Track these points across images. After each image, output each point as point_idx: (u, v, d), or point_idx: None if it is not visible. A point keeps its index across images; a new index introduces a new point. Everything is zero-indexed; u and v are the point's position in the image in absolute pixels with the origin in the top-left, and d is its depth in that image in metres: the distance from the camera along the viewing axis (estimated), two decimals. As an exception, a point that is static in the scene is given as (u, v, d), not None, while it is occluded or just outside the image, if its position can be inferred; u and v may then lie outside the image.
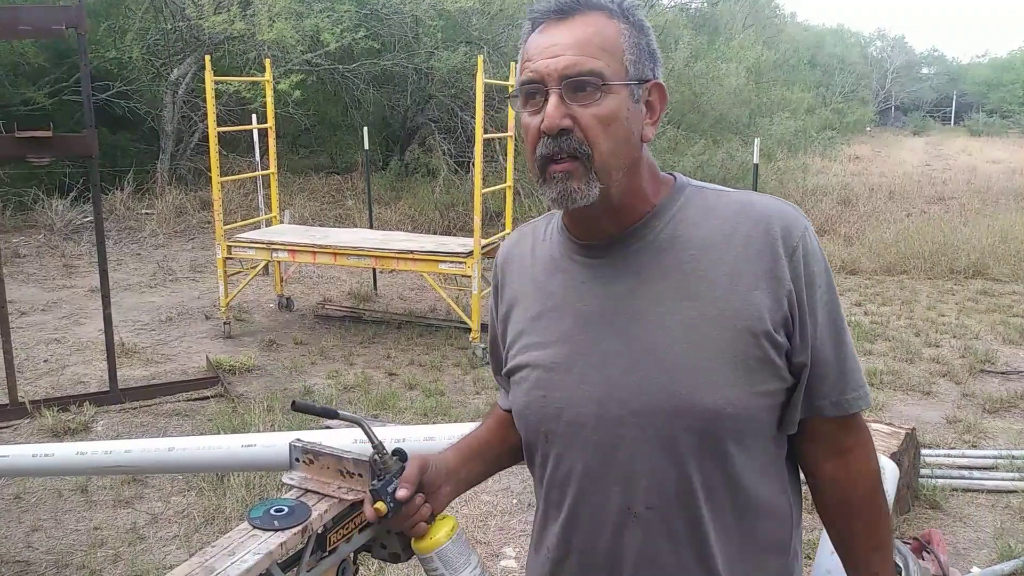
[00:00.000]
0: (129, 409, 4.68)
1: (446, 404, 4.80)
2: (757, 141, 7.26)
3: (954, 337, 6.28)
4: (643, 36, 1.05)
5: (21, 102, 10.57)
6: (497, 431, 1.28)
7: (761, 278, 1.03)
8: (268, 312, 6.98)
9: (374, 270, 7.54)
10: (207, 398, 4.88)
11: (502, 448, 1.28)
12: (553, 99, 1.00)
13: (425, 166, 12.48)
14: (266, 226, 7.02)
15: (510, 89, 6.08)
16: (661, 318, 1.04)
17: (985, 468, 3.94)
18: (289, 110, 11.25)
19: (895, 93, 42.47)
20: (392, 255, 5.80)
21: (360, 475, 1.60)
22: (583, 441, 1.08)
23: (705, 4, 18.69)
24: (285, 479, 1.65)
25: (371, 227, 8.09)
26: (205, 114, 6.95)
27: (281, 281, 7.02)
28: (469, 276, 5.74)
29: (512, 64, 6.30)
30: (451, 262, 5.67)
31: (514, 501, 3.63)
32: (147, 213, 10.73)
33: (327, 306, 7.06)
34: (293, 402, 1.25)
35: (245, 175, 9.04)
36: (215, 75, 6.13)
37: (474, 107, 6.06)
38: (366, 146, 7.90)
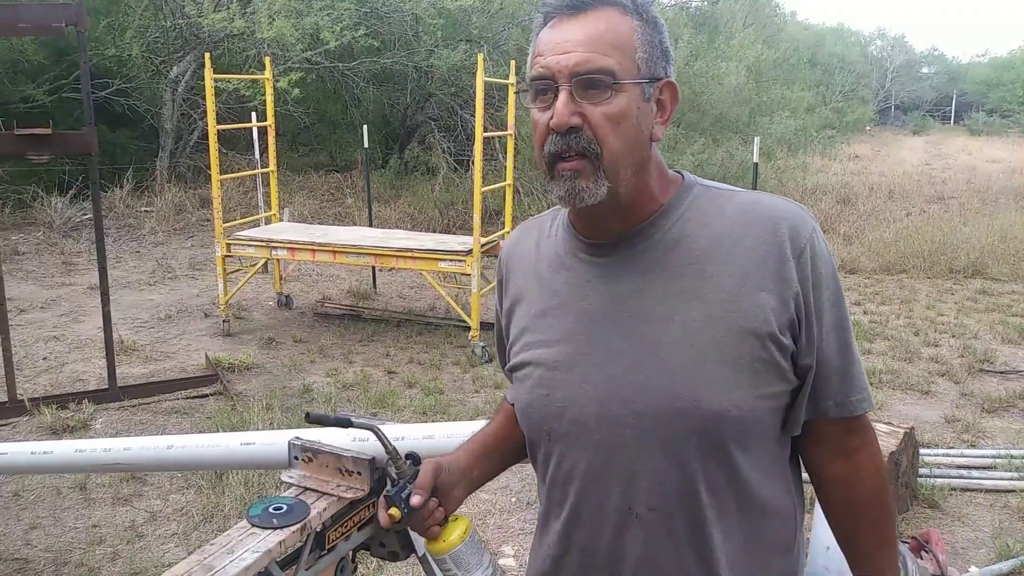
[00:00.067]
0: (128, 407, 4.68)
1: (445, 402, 4.80)
2: (757, 140, 7.26)
3: (953, 336, 6.28)
4: (656, 33, 1.04)
5: (20, 99, 10.56)
6: (506, 427, 1.28)
7: (768, 279, 1.02)
8: (267, 310, 6.98)
9: (373, 268, 7.53)
10: (206, 396, 4.88)
11: (512, 444, 1.27)
12: (563, 96, 0.99)
13: (425, 164, 12.48)
14: (265, 224, 7.02)
15: (511, 88, 6.08)
16: (666, 318, 1.04)
17: (984, 467, 3.94)
18: (289, 108, 11.24)
19: (895, 92, 42.45)
20: (391, 253, 5.80)
21: (359, 473, 1.60)
22: (585, 440, 1.08)
23: (705, 3, 18.70)
24: (284, 477, 1.65)
25: (370, 225, 8.09)
26: (204, 112, 6.94)
27: (280, 279, 7.01)
28: (468, 274, 5.73)
29: (512, 62, 6.30)
30: (450, 260, 5.67)
31: (513, 499, 3.63)
32: (146, 211, 10.72)
33: (326, 304, 7.06)
34: (307, 414, 1.25)
35: (244, 173, 9.03)
36: (215, 73, 6.13)
37: (474, 105, 6.05)
38: (366, 144, 7.89)
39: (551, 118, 1.00)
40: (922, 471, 3.76)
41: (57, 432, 4.31)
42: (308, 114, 12.75)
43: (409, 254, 5.73)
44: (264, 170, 7.27)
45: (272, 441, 1.83)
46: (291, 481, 1.63)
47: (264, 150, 7.45)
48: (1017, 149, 23.84)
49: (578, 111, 1.00)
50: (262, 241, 6.07)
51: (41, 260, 8.54)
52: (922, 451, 3.87)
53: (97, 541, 3.27)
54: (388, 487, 1.16)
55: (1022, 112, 35.14)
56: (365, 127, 7.91)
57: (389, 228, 8.48)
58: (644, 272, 1.07)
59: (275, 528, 1.46)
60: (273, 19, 9.75)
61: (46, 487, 3.69)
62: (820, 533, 2.09)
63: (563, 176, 1.02)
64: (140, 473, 3.74)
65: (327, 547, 1.59)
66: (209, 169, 6.36)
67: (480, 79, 5.47)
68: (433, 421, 4.42)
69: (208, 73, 5.99)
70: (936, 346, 6.05)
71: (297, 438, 1.68)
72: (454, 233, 9.02)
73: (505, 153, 6.75)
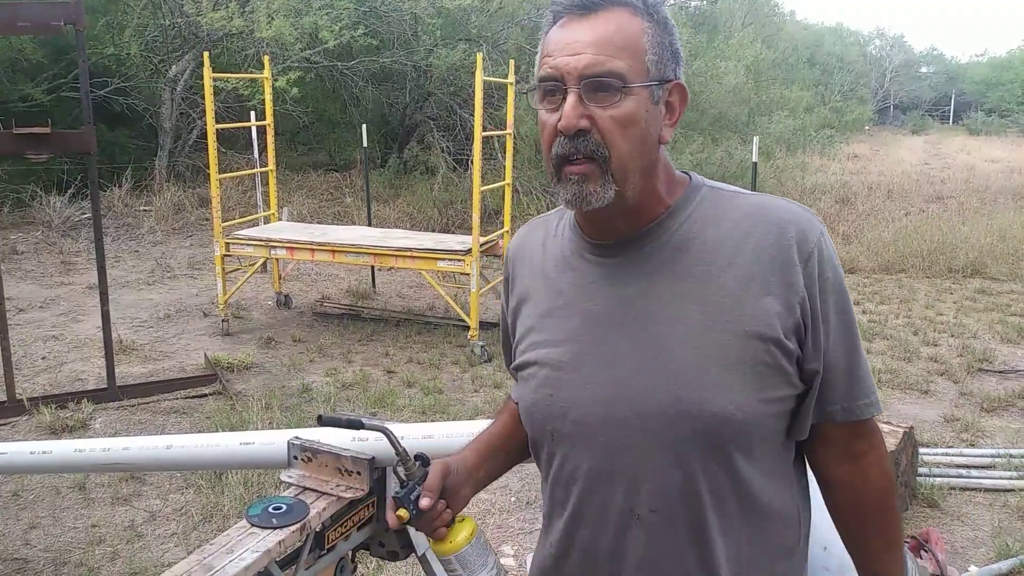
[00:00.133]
0: (127, 406, 4.67)
1: (444, 402, 4.80)
2: (756, 139, 7.27)
3: (952, 336, 6.29)
4: (667, 34, 1.03)
5: (19, 98, 10.54)
6: (511, 426, 1.28)
7: (773, 284, 1.02)
8: (266, 309, 6.97)
9: (372, 268, 7.53)
10: (205, 395, 4.88)
11: (517, 444, 1.27)
12: (571, 99, 0.99)
13: (424, 164, 12.47)
14: (264, 223, 7.01)
15: (510, 87, 6.07)
16: (671, 321, 1.04)
17: (983, 467, 3.94)
18: (288, 107, 11.23)
19: (894, 92, 42.45)
20: (391, 253, 5.80)
21: (358, 473, 1.60)
22: (588, 441, 1.08)
23: (704, 2, 18.67)
24: (283, 477, 1.65)
25: (369, 224, 8.09)
26: (203, 111, 6.94)
27: (279, 278, 7.01)
28: (468, 274, 5.73)
29: (511, 62, 6.30)
30: (450, 260, 5.67)
31: (512, 499, 3.63)
32: (145, 210, 10.71)
33: (325, 304, 7.05)
34: (320, 416, 1.25)
35: (243, 172, 9.01)
36: (213, 72, 6.12)
37: (473, 105, 6.05)
38: (365, 143, 7.89)
39: (559, 120, 1.00)
40: (921, 470, 3.76)
41: (56, 432, 4.30)
42: (307, 113, 12.73)
43: (408, 253, 5.73)
44: (263, 169, 7.27)
45: (271, 441, 1.83)
46: (290, 481, 1.63)
47: (263, 149, 7.45)
48: (1016, 149, 23.86)
49: (586, 114, 0.99)
50: (261, 240, 6.07)
51: (40, 259, 8.53)
52: (921, 450, 3.88)
53: (96, 541, 3.27)
54: (397, 488, 1.17)
55: (1021, 112, 35.15)
56: (364, 126, 7.90)
57: (388, 227, 8.48)
58: (650, 274, 1.06)
59: (275, 528, 1.46)
60: (272, 18, 9.74)
61: (45, 487, 3.69)
62: (817, 533, 2.09)
63: (570, 179, 1.02)
64: (139, 473, 3.74)
65: (327, 547, 1.59)
66: (208, 168, 6.35)
67: (479, 78, 5.46)
68: (432, 421, 4.42)
69: (207, 72, 5.99)
70: (935, 345, 6.05)
71: (296, 438, 1.68)
72: (453, 232, 9.01)
73: (504, 152, 6.75)
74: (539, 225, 1.24)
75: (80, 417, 4.43)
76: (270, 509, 1.51)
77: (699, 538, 1.05)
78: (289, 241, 6.00)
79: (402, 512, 1.14)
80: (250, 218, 7.21)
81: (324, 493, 1.58)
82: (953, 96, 43.67)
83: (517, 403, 1.22)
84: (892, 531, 1.14)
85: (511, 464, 1.31)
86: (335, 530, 1.59)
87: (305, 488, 1.60)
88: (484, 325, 5.86)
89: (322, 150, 14.58)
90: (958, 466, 3.94)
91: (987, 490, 3.74)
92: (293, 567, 1.52)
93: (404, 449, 1.20)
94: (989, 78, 41.28)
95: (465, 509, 1.23)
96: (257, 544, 1.41)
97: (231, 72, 10.44)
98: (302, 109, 12.14)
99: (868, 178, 15.73)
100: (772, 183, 12.39)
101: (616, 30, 0.99)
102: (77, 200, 10.00)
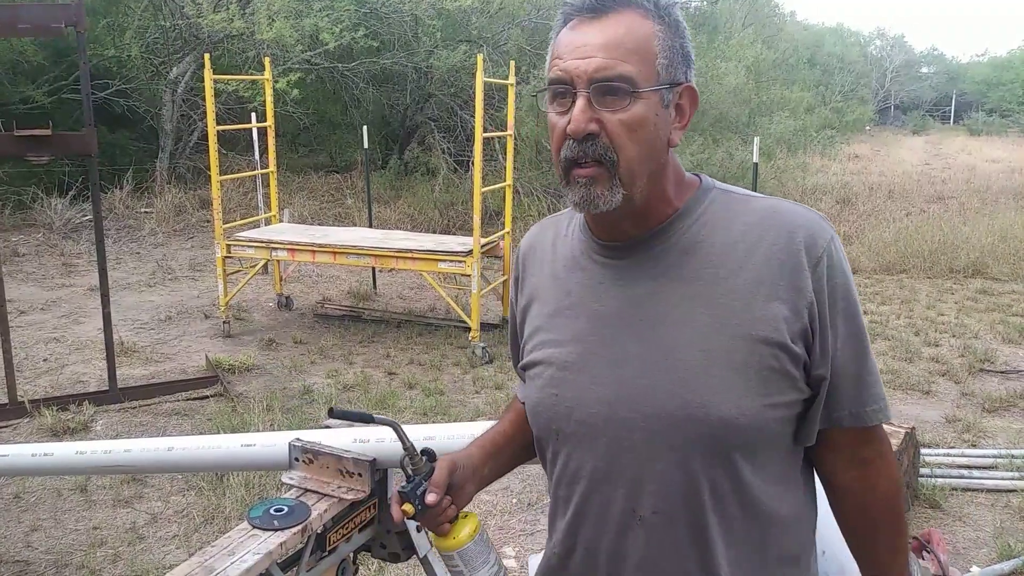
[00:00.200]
0: (128, 408, 4.68)
1: (445, 403, 4.80)
2: (756, 140, 7.27)
3: (953, 336, 6.28)
4: (678, 37, 1.03)
5: (20, 100, 10.55)
6: (517, 425, 1.28)
7: (781, 288, 1.01)
8: (267, 311, 6.98)
9: (373, 269, 7.53)
10: (206, 397, 4.88)
11: (522, 443, 1.28)
12: (580, 102, 0.99)
13: (424, 165, 12.47)
14: (265, 225, 7.02)
15: (511, 88, 6.07)
16: (678, 323, 1.03)
17: (984, 467, 3.94)
18: (288, 109, 11.24)
19: (894, 92, 42.43)
20: (391, 254, 5.80)
21: (360, 475, 1.60)
22: (592, 441, 1.08)
23: (704, 3, 18.69)
24: (285, 479, 1.65)
25: (370, 226, 8.09)
26: (204, 113, 6.94)
27: (280, 280, 7.01)
28: (469, 275, 5.73)
29: (512, 63, 6.30)
30: (450, 261, 5.67)
31: (514, 500, 3.63)
32: (146, 212, 10.72)
33: (326, 305, 7.05)
34: (331, 409, 1.25)
35: (244, 174, 9.03)
36: (214, 74, 6.13)
37: (473, 106, 6.05)
38: (365, 145, 7.89)
39: (568, 124, 1.00)
40: (923, 471, 3.76)
41: (57, 434, 4.30)
42: (308, 115, 12.74)
43: (409, 255, 5.73)
44: (264, 171, 7.27)
45: (273, 442, 1.83)
46: (292, 483, 1.63)
47: (264, 151, 7.45)
48: (1017, 149, 23.84)
49: (595, 118, 0.99)
50: (262, 242, 6.07)
51: (41, 261, 8.54)
52: (923, 451, 3.87)
53: (98, 543, 3.27)
54: (403, 483, 1.17)
55: (1021, 112, 35.14)
56: (365, 128, 7.91)
57: (389, 229, 8.48)
58: (658, 276, 1.06)
59: (276, 530, 1.46)
60: (273, 20, 9.75)
61: (47, 489, 3.69)
62: (816, 538, 2.09)
63: (578, 182, 1.02)
64: (141, 475, 3.74)
65: (328, 549, 1.59)
66: (209, 170, 6.36)
67: (480, 80, 5.47)
68: (434, 422, 4.42)
69: (208, 74, 5.99)
70: (936, 346, 6.04)
71: (298, 439, 1.68)
72: (454, 234, 9.01)
73: (505, 153, 6.75)
74: (550, 225, 1.25)
75: (81, 419, 4.43)
76: (271, 511, 1.51)
77: (699, 541, 1.04)
78: (290, 243, 6.00)
79: (407, 507, 1.14)
80: (251, 220, 7.22)
81: (326, 495, 1.58)
82: (954, 96, 43.64)
83: (524, 403, 1.22)
84: (899, 537, 1.13)
85: (516, 463, 1.31)
86: (336, 532, 1.59)
87: (306, 490, 1.60)
88: (485, 326, 5.86)
89: (323, 151, 14.59)
90: (960, 467, 3.94)
91: (989, 491, 3.74)
92: (295, 569, 1.52)
93: (412, 444, 1.20)
94: (990, 78, 41.26)
95: (467, 508, 1.23)
96: (259, 546, 1.41)
97: (232, 74, 10.45)
98: (303, 111, 12.15)
99: (869, 178, 15.73)
100: (773, 184, 12.38)
101: (626, 33, 0.99)
102: (78, 202, 10.01)
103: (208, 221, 10.12)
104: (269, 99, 6.89)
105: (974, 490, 3.74)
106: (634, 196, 1.03)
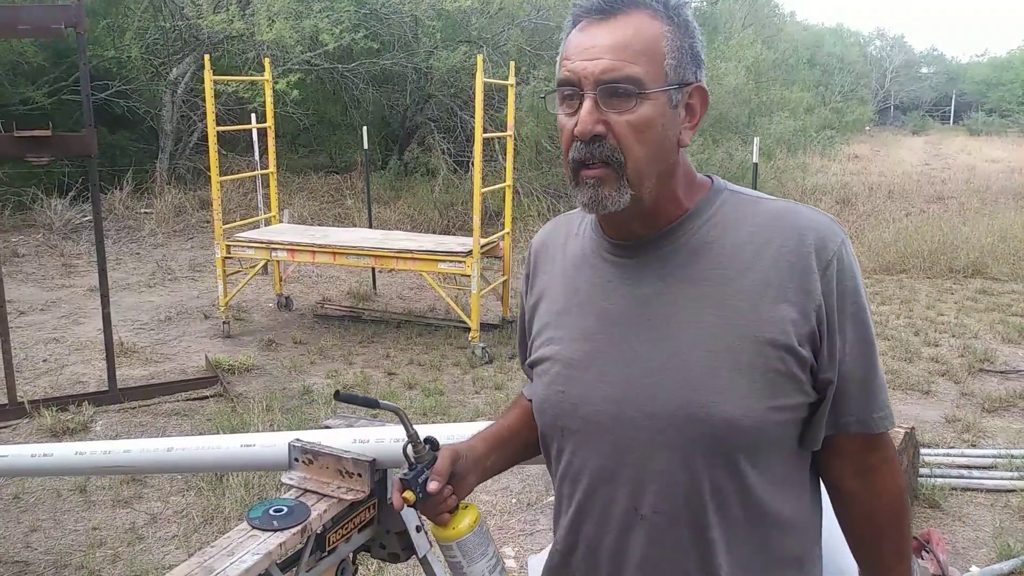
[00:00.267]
0: (128, 409, 4.68)
1: (445, 404, 4.80)
2: (756, 140, 7.27)
3: (953, 336, 6.28)
4: (687, 37, 1.03)
5: (20, 101, 10.55)
6: (522, 421, 1.28)
7: (790, 291, 1.01)
8: (267, 312, 6.98)
9: (373, 269, 7.53)
10: (206, 398, 4.88)
11: (526, 438, 1.28)
12: (587, 104, 0.99)
13: (424, 165, 12.47)
14: (265, 225, 7.01)
15: (510, 89, 6.08)
16: (684, 323, 1.04)
17: (984, 467, 3.94)
18: (288, 110, 11.24)
19: (894, 92, 42.42)
20: (391, 254, 5.80)
21: (359, 475, 1.60)
22: (597, 439, 1.08)
23: (704, 3, 18.70)
24: (284, 479, 1.65)
25: (370, 226, 8.09)
26: (204, 113, 6.95)
27: (280, 280, 7.01)
28: (468, 275, 5.73)
29: (512, 63, 6.30)
30: (450, 261, 5.67)
31: (513, 500, 3.63)
32: (146, 212, 10.72)
33: (326, 306, 7.05)
34: (337, 392, 1.25)
35: (244, 174, 9.03)
36: (214, 75, 6.13)
37: (473, 106, 6.05)
38: (365, 145, 7.89)
39: (576, 125, 1.00)
40: (923, 471, 3.76)
41: (57, 434, 4.31)
42: (308, 115, 12.74)
43: (409, 255, 5.73)
44: (264, 171, 7.27)
45: (272, 443, 1.83)
46: (291, 483, 1.63)
47: (264, 151, 7.45)
48: (1016, 149, 23.84)
49: (602, 119, 0.99)
50: (262, 243, 6.07)
51: (41, 262, 8.54)
52: (923, 451, 3.87)
53: (97, 544, 3.27)
54: (405, 470, 1.17)
55: (1021, 112, 35.13)
56: (365, 128, 7.91)
57: (389, 229, 8.48)
58: (666, 276, 1.06)
59: (276, 530, 1.46)
60: (272, 21, 9.75)
61: (46, 489, 3.69)
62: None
63: (586, 183, 1.02)
64: (140, 475, 3.74)
65: (328, 549, 1.59)
66: (209, 171, 6.36)
67: (480, 80, 5.47)
68: (433, 422, 4.42)
69: (208, 75, 6.00)
70: (936, 346, 6.05)
71: (297, 440, 1.68)
72: (454, 234, 9.02)
73: (505, 154, 6.75)
74: (562, 223, 1.25)
75: (81, 420, 4.44)
76: (271, 511, 1.51)
77: (700, 542, 1.05)
78: (290, 243, 6.00)
79: (408, 494, 1.14)
80: (251, 220, 7.22)
81: (325, 495, 1.58)
82: (953, 96, 43.63)
83: (530, 400, 1.23)
84: (903, 543, 1.14)
85: (518, 458, 1.32)
86: (336, 532, 1.59)
87: (306, 490, 1.60)
88: (485, 327, 5.86)
89: (323, 152, 14.58)
90: (959, 466, 3.94)
91: (988, 490, 3.74)
92: (294, 569, 1.52)
93: (415, 431, 1.20)
94: (989, 78, 41.25)
95: (467, 500, 1.23)
96: (258, 546, 1.41)
97: (232, 75, 10.45)
98: (303, 111, 12.15)
99: (869, 179, 15.72)
100: (772, 184, 12.38)
101: (634, 34, 0.99)
102: (78, 203, 10.01)
103: (208, 222, 10.12)
104: (269, 100, 6.89)
105: (974, 490, 3.74)
106: (643, 196, 1.03)
